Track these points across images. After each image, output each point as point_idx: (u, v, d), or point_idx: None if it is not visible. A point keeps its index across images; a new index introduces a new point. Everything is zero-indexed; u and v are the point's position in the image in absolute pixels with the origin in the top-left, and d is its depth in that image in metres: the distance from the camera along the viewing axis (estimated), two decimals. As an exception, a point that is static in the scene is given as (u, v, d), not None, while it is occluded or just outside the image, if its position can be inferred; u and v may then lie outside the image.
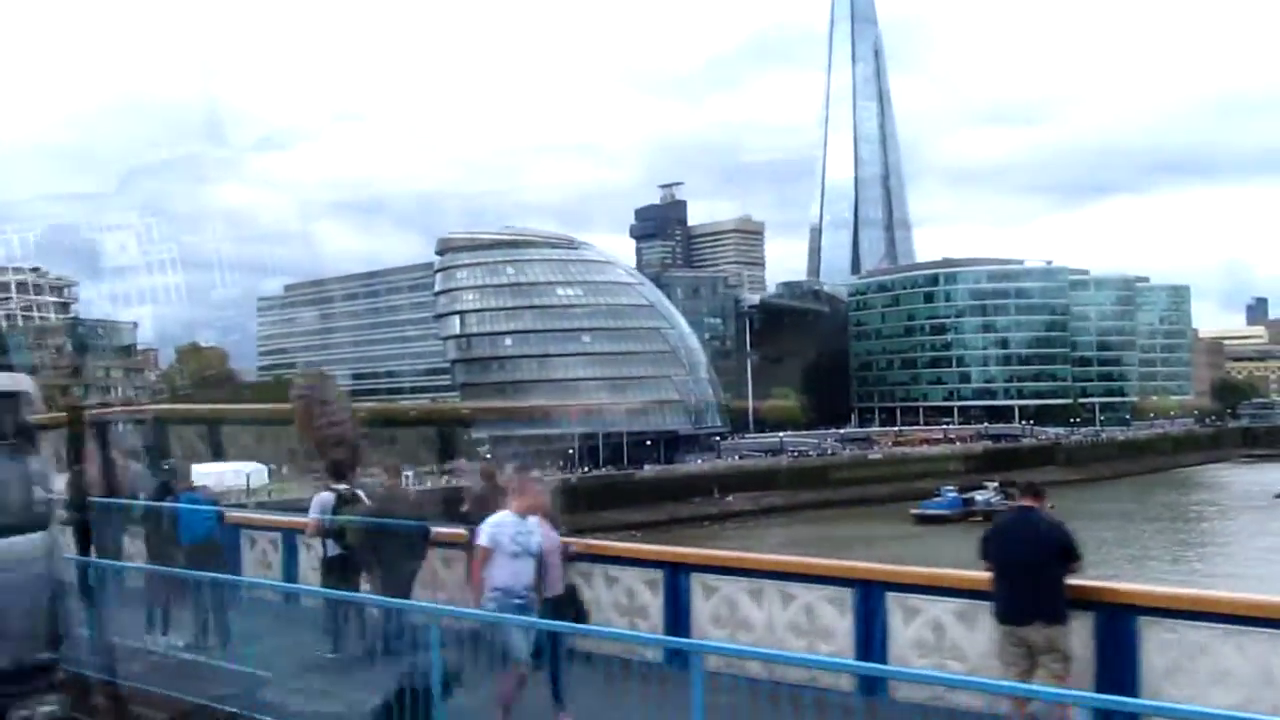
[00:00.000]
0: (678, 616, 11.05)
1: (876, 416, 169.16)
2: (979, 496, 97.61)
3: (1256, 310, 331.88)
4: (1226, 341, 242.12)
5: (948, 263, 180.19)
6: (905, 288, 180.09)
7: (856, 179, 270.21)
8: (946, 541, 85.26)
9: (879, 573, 10.46)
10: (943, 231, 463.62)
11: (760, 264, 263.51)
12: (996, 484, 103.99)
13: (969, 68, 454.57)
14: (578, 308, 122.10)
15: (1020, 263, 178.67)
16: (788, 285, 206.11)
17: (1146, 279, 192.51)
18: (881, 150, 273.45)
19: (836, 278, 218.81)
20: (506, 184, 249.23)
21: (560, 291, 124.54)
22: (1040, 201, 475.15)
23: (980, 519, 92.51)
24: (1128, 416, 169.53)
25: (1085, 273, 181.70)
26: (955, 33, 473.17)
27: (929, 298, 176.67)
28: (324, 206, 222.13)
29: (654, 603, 11.36)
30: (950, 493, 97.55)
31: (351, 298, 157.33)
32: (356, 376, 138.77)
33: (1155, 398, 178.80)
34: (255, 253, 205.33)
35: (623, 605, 11.55)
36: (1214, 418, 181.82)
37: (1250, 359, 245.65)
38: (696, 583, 11.15)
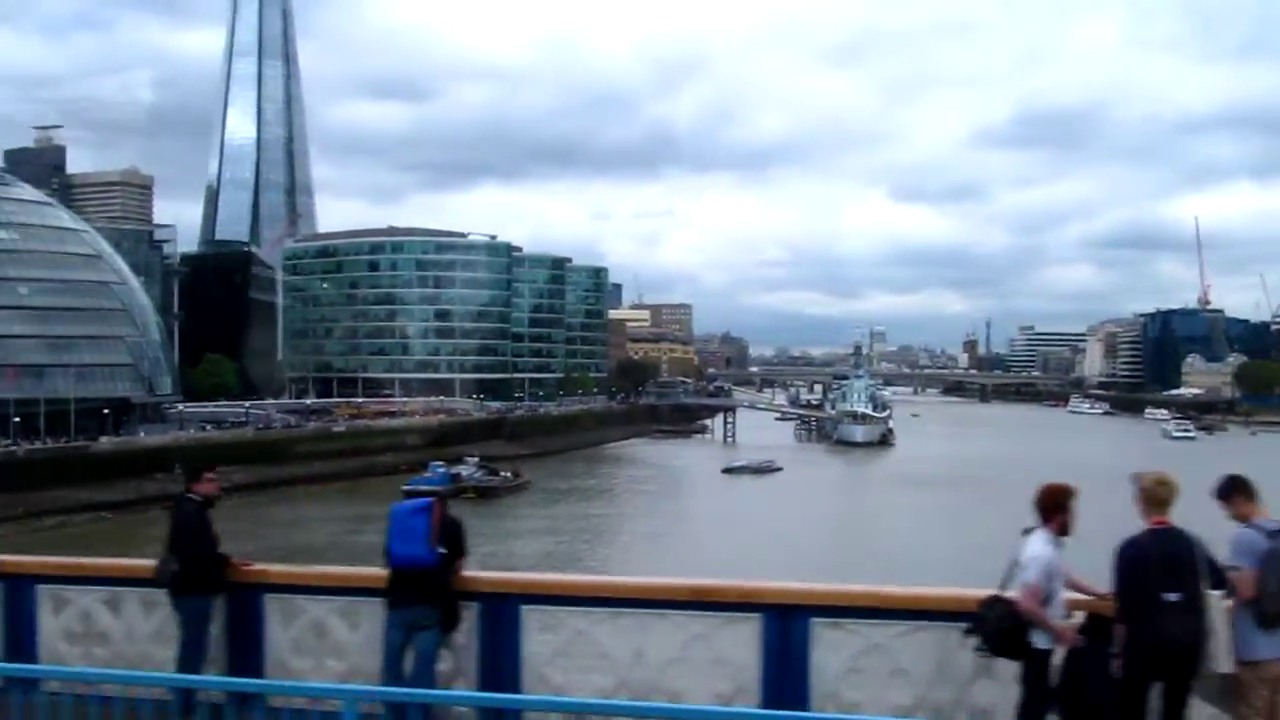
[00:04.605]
0: None
1: (312, 387, 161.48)
2: (464, 471, 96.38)
3: (613, 295, 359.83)
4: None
5: (392, 231, 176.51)
6: (349, 254, 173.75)
7: (259, 140, 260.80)
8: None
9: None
10: (340, 200, 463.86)
11: (149, 221, 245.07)
12: (477, 459, 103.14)
13: (368, 38, 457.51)
14: (11, 254, 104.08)
15: (464, 235, 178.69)
16: (217, 244, 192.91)
17: (570, 259, 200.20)
18: (286, 112, 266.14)
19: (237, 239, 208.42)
20: None
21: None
22: (416, 178, 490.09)
23: (471, 494, 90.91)
24: (559, 392, 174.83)
25: (520, 250, 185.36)
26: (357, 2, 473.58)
27: (373, 266, 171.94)
28: None
29: None
30: (440, 468, 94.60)
31: None
32: None
33: (577, 374, 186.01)
34: None
35: None
36: (624, 395, 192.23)
37: (646, 340, 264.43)
38: None
